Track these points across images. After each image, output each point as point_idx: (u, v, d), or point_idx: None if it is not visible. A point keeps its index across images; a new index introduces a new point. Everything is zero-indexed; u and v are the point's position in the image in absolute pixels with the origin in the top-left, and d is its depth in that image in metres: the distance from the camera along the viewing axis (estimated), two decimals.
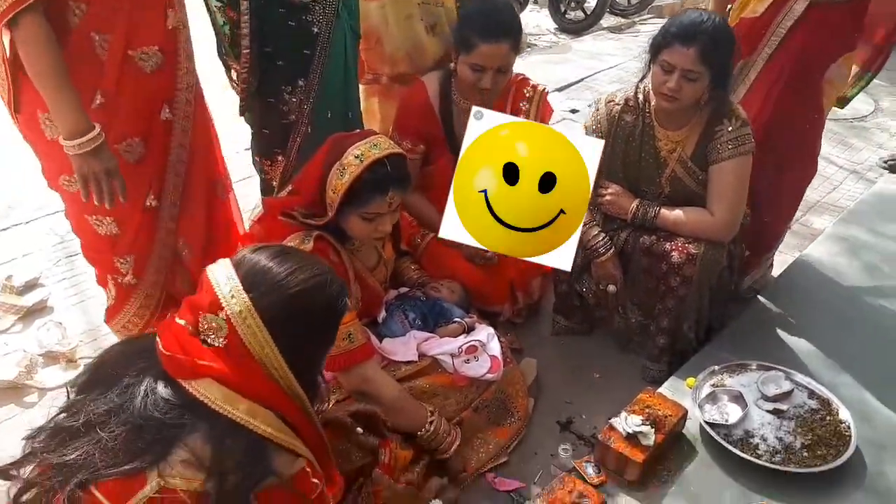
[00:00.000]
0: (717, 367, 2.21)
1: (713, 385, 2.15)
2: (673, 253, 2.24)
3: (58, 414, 1.20)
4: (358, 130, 2.19)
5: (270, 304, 1.17)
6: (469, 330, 2.25)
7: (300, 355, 1.22)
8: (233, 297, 1.15)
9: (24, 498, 1.15)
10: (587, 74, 5.18)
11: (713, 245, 2.24)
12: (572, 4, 6.62)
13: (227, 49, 2.26)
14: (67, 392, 1.24)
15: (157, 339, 1.18)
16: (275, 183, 2.45)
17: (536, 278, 2.65)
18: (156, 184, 2.03)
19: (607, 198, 2.36)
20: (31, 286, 2.73)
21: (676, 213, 2.28)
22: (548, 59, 5.48)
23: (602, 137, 2.35)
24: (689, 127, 2.27)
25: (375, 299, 2.19)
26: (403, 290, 2.39)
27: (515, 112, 2.45)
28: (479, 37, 2.24)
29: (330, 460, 1.34)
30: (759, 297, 2.70)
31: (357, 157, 1.82)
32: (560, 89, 4.89)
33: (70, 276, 2.83)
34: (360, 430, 1.74)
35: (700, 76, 2.12)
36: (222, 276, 1.18)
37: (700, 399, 2.08)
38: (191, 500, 1.08)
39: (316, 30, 2.26)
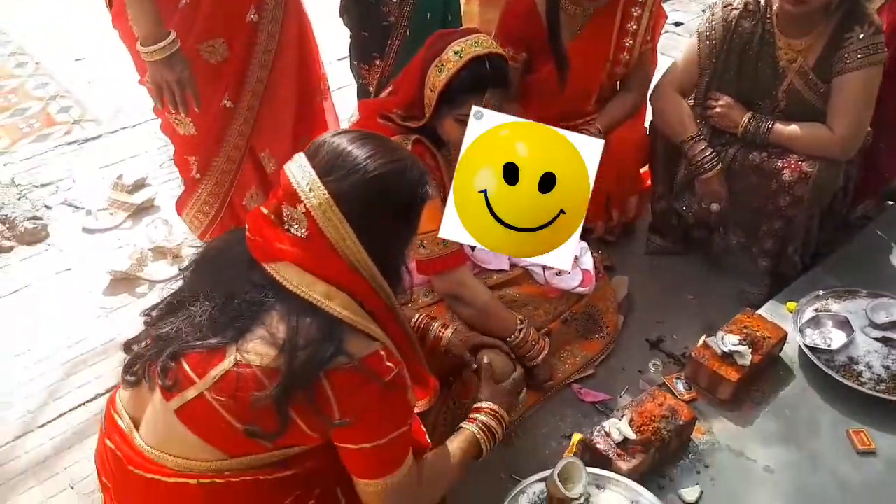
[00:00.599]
0: (821, 292, 2.11)
1: (816, 310, 2.06)
2: (785, 171, 2.12)
3: (169, 294, 1.27)
4: (461, 28, 2.12)
5: (349, 188, 1.15)
6: None
7: (380, 243, 1.21)
8: (311, 189, 1.15)
9: (134, 368, 1.24)
10: None
11: (829, 164, 2.10)
12: None
13: None
14: (182, 276, 1.31)
15: (247, 225, 1.22)
16: (371, 88, 2.44)
17: (633, 196, 2.57)
18: (234, 86, 2.04)
19: (717, 110, 2.23)
20: (139, 186, 2.86)
21: (792, 128, 2.14)
22: None
23: (716, 44, 2.21)
24: (815, 34, 2.09)
25: None
26: None
27: (626, 18, 2.32)
28: None
29: (417, 356, 1.35)
30: (871, 223, 2.54)
31: (456, 53, 1.76)
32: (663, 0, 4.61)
33: (174, 178, 2.94)
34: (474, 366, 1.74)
35: None
36: (298, 170, 1.18)
37: (802, 323, 2.00)
38: (263, 375, 1.12)
39: None
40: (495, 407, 1.50)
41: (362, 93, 2.53)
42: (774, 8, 2.12)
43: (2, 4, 4.46)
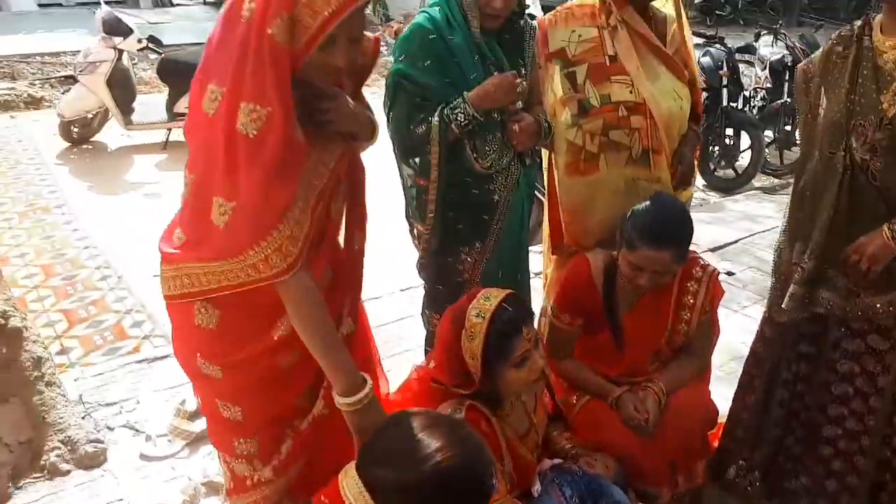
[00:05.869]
0: None
1: None
2: None
3: None
4: (467, 295, 2.07)
5: (413, 483, 1.16)
6: None
7: None
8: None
9: None
10: (742, 236, 5.05)
11: None
12: (722, 163, 6.58)
13: (414, 211, 2.42)
14: None
15: None
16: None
17: (701, 461, 2.49)
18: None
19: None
20: (199, 413, 2.89)
21: None
22: (699, 217, 5.40)
23: (810, 75, 2.17)
24: None
25: (527, 470, 2.13)
26: (557, 461, 2.31)
27: (682, 292, 2.39)
28: (641, 239, 2.18)
29: None
30: None
31: (477, 315, 1.87)
32: (713, 250, 4.79)
33: None
34: None
35: None
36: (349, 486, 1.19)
37: None
38: None
39: (496, 198, 2.39)
40: None
41: (431, 338, 2.61)
42: (877, 20, 2.02)
43: (96, 219, 4.89)
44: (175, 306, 1.80)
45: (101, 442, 2.66)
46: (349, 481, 1.19)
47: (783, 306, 2.27)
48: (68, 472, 2.54)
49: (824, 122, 2.09)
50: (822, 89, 2.12)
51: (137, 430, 2.78)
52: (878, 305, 2.09)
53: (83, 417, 2.77)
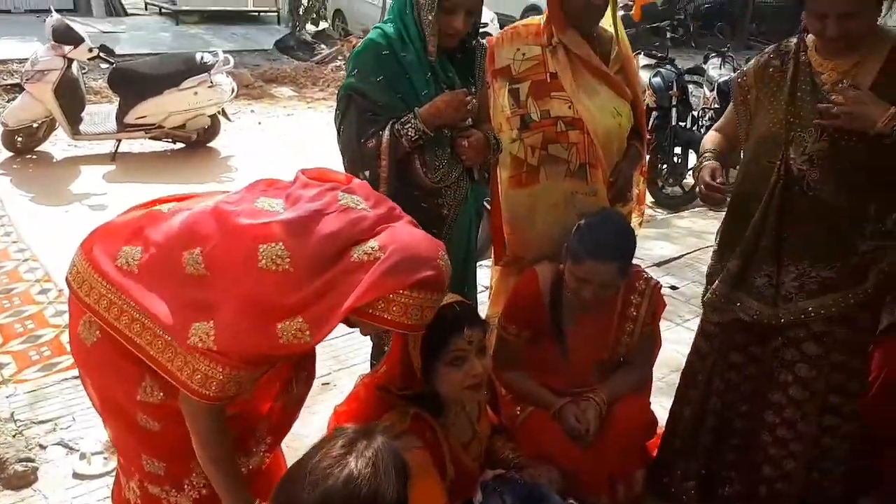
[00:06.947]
0: None
1: None
2: None
3: None
4: None
5: None
6: None
7: None
8: None
9: None
10: (687, 251, 5.15)
11: None
12: (670, 180, 6.72)
13: None
14: None
15: None
16: (387, 348, 2.51)
17: (640, 470, 2.52)
18: None
19: (846, 109, 1.92)
20: None
21: None
22: (646, 233, 5.49)
23: (747, 87, 2.25)
24: (862, 54, 1.98)
25: (469, 478, 2.14)
26: (500, 471, 2.32)
27: (626, 305, 2.45)
28: (587, 252, 2.24)
29: None
30: None
31: None
32: (658, 265, 4.87)
33: None
34: None
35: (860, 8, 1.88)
36: None
37: None
38: None
39: (445, 212, 2.41)
40: None
41: (376, 353, 2.60)
42: (809, 40, 2.10)
43: (38, 231, 4.75)
44: (71, 297, 1.78)
45: (32, 461, 2.56)
46: None
47: (703, 300, 2.37)
48: None
49: (762, 133, 2.18)
50: (759, 101, 2.20)
51: (72, 448, 2.69)
52: (810, 308, 2.16)
53: (14, 436, 2.68)
